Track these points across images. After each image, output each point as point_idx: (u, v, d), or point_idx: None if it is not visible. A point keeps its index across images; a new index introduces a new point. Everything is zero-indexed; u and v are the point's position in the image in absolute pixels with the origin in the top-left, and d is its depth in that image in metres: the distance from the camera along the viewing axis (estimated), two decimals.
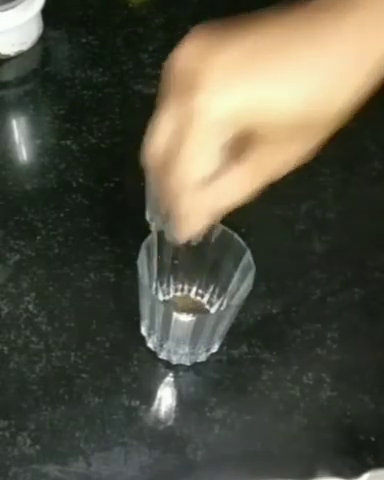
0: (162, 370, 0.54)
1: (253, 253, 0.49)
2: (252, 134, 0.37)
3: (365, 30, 0.36)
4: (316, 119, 0.37)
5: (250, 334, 0.56)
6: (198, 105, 0.36)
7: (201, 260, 0.54)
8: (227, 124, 0.37)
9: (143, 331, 0.55)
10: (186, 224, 0.41)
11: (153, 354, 0.55)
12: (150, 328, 0.53)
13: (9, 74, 0.71)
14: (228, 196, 0.40)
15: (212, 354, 0.54)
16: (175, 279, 0.56)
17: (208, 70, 0.36)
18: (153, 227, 0.60)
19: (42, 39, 0.72)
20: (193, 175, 0.39)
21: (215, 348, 0.54)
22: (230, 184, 0.39)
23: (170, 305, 0.56)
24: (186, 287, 0.56)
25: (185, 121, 0.37)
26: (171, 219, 0.41)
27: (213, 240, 0.52)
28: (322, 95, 0.36)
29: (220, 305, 0.55)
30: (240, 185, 0.39)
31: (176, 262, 0.54)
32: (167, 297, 0.56)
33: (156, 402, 0.53)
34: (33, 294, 0.57)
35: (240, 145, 0.38)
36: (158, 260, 0.52)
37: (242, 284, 0.50)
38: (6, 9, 0.68)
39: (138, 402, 0.53)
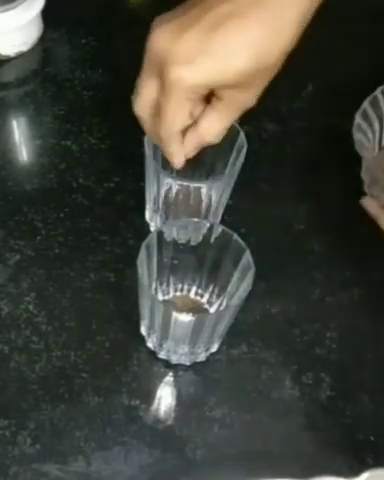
0: (162, 370, 0.55)
1: (253, 253, 0.49)
2: (217, 87, 0.48)
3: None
4: (264, 67, 0.48)
5: (249, 334, 0.56)
6: (169, 78, 0.47)
7: (201, 260, 0.54)
8: (194, 89, 0.48)
9: (143, 331, 0.55)
10: (177, 159, 0.53)
11: (153, 354, 0.55)
12: (150, 328, 0.53)
13: (9, 75, 0.71)
14: (210, 132, 0.51)
15: (212, 354, 0.55)
16: (175, 279, 0.56)
17: (175, 49, 0.47)
18: (153, 227, 0.61)
19: (42, 40, 0.72)
20: (175, 128, 0.50)
21: (215, 348, 0.54)
22: (209, 122, 0.51)
23: (170, 305, 0.56)
24: (186, 287, 0.56)
25: (162, 90, 0.48)
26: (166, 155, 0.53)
27: (213, 240, 0.52)
28: (265, 51, 0.47)
29: (219, 305, 0.55)
30: (217, 122, 0.51)
31: (176, 262, 0.54)
32: (167, 297, 0.57)
33: (156, 401, 0.53)
34: (33, 294, 0.57)
35: (209, 94, 0.50)
36: (158, 260, 0.53)
37: (242, 284, 0.50)
38: (6, 10, 0.68)
39: (138, 401, 0.53)
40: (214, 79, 0.48)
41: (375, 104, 0.60)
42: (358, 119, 0.59)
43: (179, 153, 0.52)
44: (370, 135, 0.61)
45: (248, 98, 0.50)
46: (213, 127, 0.51)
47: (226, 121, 0.51)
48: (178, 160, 0.53)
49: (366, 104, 0.60)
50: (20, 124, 0.68)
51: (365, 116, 0.60)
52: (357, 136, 0.58)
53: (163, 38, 0.48)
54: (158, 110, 0.50)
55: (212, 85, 0.48)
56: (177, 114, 0.49)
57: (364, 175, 0.61)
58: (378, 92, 0.60)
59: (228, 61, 0.47)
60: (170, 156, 0.52)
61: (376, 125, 0.62)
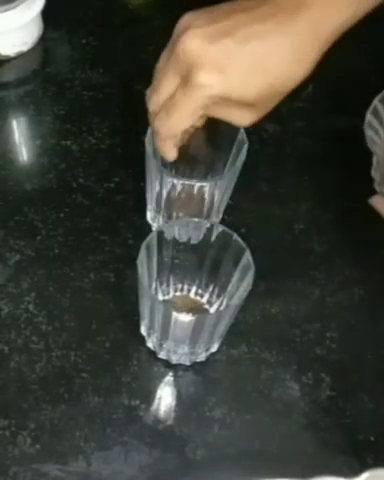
0: (162, 370, 0.55)
1: (252, 253, 0.49)
2: (231, 100, 0.49)
3: (317, 17, 0.48)
4: (282, 91, 0.49)
5: (249, 334, 0.56)
6: (196, 82, 0.47)
7: (201, 260, 0.54)
8: (215, 98, 0.48)
9: (143, 331, 0.55)
10: (170, 155, 0.54)
11: (153, 354, 0.55)
12: (150, 328, 0.53)
13: (9, 75, 0.71)
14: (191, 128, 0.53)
15: (212, 354, 0.55)
16: (175, 279, 0.56)
17: (208, 55, 0.47)
18: (153, 227, 0.61)
19: (42, 40, 0.72)
20: (181, 128, 0.51)
21: (215, 348, 0.54)
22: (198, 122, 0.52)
23: (170, 305, 0.56)
24: (186, 287, 0.56)
25: (182, 91, 0.48)
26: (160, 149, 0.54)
27: (213, 240, 0.52)
28: (290, 75, 0.48)
29: (219, 305, 0.55)
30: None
31: (176, 262, 0.54)
32: (167, 297, 0.57)
33: (156, 401, 0.53)
34: (33, 294, 0.57)
35: None
36: (158, 260, 0.53)
37: (241, 284, 0.50)
38: (6, 10, 0.68)
39: (138, 401, 0.53)
40: (238, 93, 0.48)
41: None
42: (369, 116, 0.59)
43: (172, 149, 0.53)
44: (381, 132, 0.61)
45: (250, 118, 0.51)
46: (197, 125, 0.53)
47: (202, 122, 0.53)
48: (171, 155, 0.53)
49: (377, 101, 0.60)
50: (20, 124, 0.68)
51: (376, 113, 0.60)
52: (368, 133, 0.58)
53: (197, 41, 0.47)
54: (169, 107, 0.50)
55: (233, 98, 0.48)
56: (188, 116, 0.50)
57: (374, 173, 0.61)
58: None
59: (253, 77, 0.48)
60: (164, 152, 0.53)
61: None
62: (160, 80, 0.50)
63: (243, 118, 0.51)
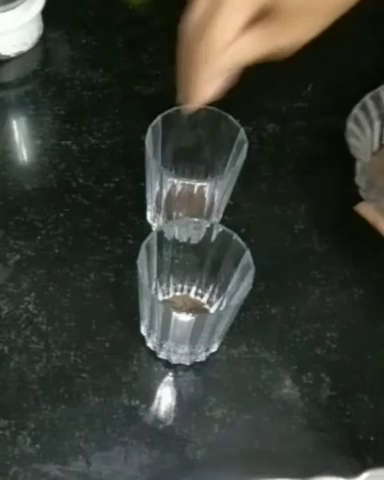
0: (162, 370, 0.55)
1: (252, 253, 0.49)
2: (269, 10, 0.45)
3: None
4: (323, 2, 0.45)
5: (249, 334, 0.56)
6: None
7: (201, 260, 0.54)
8: (250, 2, 0.44)
9: (143, 331, 0.55)
10: (205, 87, 0.48)
11: (153, 354, 0.55)
12: (150, 328, 0.53)
13: (9, 75, 0.71)
14: (238, 55, 0.47)
15: (212, 354, 0.55)
16: (175, 279, 0.56)
17: None
18: (153, 227, 0.61)
19: (42, 40, 0.72)
20: (221, 41, 0.45)
21: (215, 348, 0.54)
22: (242, 44, 0.46)
23: (170, 305, 0.56)
24: (186, 287, 0.56)
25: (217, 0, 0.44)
26: (192, 85, 0.48)
27: (213, 240, 0.52)
28: None
29: (219, 305, 0.55)
30: (250, 46, 0.46)
31: (176, 262, 0.54)
32: (167, 297, 0.57)
33: (156, 401, 0.53)
34: (33, 294, 0.57)
35: (256, 19, 0.46)
36: (158, 260, 0.53)
37: (241, 284, 0.50)
38: (6, 10, 0.68)
39: (138, 401, 0.53)
40: None
41: (365, 110, 0.60)
42: (350, 125, 0.59)
43: (211, 82, 0.47)
44: (363, 138, 0.61)
45: (300, 34, 0.45)
46: (242, 51, 0.46)
47: (257, 51, 0.47)
48: (202, 93, 0.48)
49: (357, 110, 0.60)
50: (20, 124, 0.68)
51: (356, 120, 0.59)
52: (351, 141, 0.58)
53: None
54: (206, 25, 0.45)
55: (266, 1, 0.44)
56: (227, 25, 0.44)
57: (359, 180, 0.60)
58: (367, 98, 0.60)
59: None
60: (201, 83, 0.47)
61: (368, 131, 0.61)
62: (192, 2, 0.46)
63: (290, 34, 0.46)
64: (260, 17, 0.46)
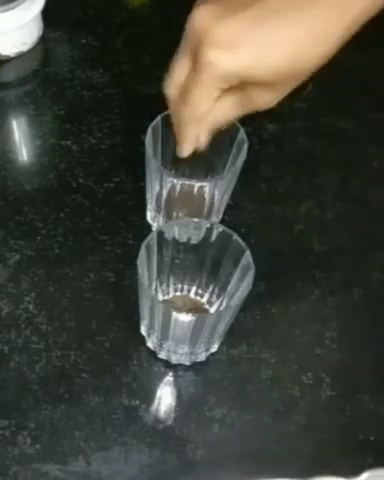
0: (162, 370, 0.55)
1: (253, 253, 0.49)
2: (246, 80, 0.47)
3: None
4: (298, 71, 0.47)
5: (249, 334, 0.56)
6: (204, 60, 0.46)
7: (201, 260, 0.54)
8: (226, 76, 0.47)
9: (143, 331, 0.55)
10: (188, 145, 0.53)
11: (153, 354, 0.55)
12: (150, 328, 0.53)
13: (9, 75, 0.71)
14: (219, 116, 0.51)
15: (212, 354, 0.55)
16: (175, 279, 0.56)
17: (217, 32, 0.45)
18: (153, 227, 0.61)
19: (42, 40, 0.72)
20: (199, 111, 0.50)
21: (215, 348, 0.54)
22: (221, 107, 0.50)
23: (170, 305, 0.56)
24: (186, 287, 0.56)
25: (196, 71, 0.47)
26: (180, 139, 0.53)
27: (213, 240, 0.52)
28: (304, 54, 0.46)
29: (219, 305, 0.55)
30: (229, 110, 0.51)
31: (176, 262, 0.54)
32: (167, 297, 0.57)
33: (156, 401, 0.53)
34: (33, 294, 0.57)
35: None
36: (158, 260, 0.53)
37: (241, 284, 0.50)
38: (6, 10, 0.68)
39: (138, 401, 0.53)
40: (248, 71, 0.46)
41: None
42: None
43: (192, 139, 0.52)
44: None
45: (270, 99, 0.49)
46: (223, 114, 0.51)
47: (237, 112, 0.51)
48: (188, 146, 0.52)
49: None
50: (20, 124, 0.68)
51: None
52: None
53: (206, 18, 0.46)
54: (183, 90, 0.49)
55: (244, 76, 0.47)
56: (203, 98, 0.48)
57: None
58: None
59: (266, 56, 0.46)
60: (183, 141, 0.52)
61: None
62: (174, 63, 0.49)
63: (262, 99, 0.49)
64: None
